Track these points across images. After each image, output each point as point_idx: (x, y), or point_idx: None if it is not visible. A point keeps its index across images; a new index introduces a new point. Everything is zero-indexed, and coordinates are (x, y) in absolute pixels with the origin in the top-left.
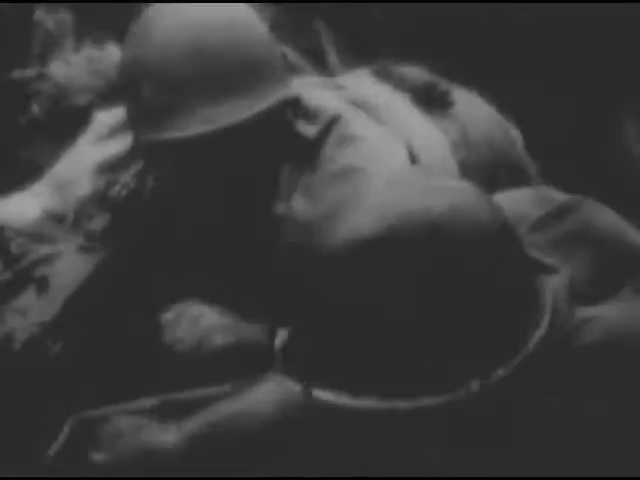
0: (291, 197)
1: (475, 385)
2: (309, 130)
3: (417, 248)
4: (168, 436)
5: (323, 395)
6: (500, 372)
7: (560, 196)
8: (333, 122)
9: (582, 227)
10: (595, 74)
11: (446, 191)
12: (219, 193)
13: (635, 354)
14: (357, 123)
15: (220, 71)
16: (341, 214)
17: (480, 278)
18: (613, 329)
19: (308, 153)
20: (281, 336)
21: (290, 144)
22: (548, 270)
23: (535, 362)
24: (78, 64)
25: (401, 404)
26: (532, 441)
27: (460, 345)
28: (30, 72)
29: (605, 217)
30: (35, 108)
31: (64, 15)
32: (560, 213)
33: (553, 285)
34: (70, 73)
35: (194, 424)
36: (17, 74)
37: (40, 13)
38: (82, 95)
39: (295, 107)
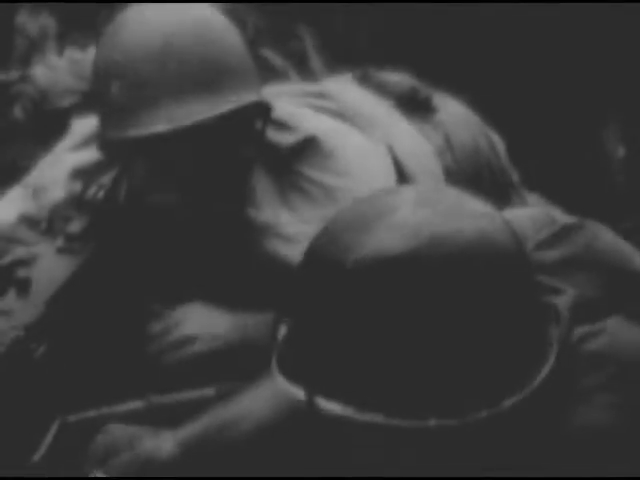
0: (272, 207)
1: (483, 413)
2: (282, 139)
3: (445, 270)
4: (163, 446)
5: (328, 406)
6: (507, 403)
7: (561, 217)
8: (308, 141)
9: (583, 250)
10: (577, 80)
11: (477, 215)
12: (188, 193)
13: (637, 362)
14: (336, 137)
15: (185, 72)
16: (371, 227)
17: (498, 305)
18: (616, 338)
19: (281, 164)
20: (281, 334)
21: (261, 151)
22: (554, 292)
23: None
24: (61, 67)
25: (407, 423)
26: (532, 450)
27: (473, 371)
28: (13, 75)
29: (606, 240)
30: (17, 110)
31: (47, 18)
32: (562, 236)
33: (560, 309)
34: (53, 76)
35: (188, 432)
36: None
37: (22, 16)
38: (64, 97)
39: (266, 115)
